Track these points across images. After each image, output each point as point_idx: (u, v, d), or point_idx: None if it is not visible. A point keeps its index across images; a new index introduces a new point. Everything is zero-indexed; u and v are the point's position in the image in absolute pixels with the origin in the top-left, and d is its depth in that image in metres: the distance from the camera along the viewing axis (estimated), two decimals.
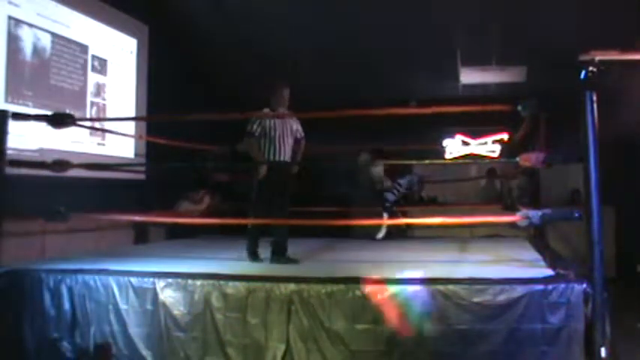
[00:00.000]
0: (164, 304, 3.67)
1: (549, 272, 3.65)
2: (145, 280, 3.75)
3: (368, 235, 6.64)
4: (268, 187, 4.75)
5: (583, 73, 4.86)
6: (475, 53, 7.72)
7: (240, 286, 3.59)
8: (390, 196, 6.77)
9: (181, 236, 6.93)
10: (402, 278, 3.55)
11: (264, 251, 4.75)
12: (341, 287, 3.47)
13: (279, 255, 4.67)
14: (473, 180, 9.69)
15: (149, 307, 3.70)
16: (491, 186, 9.47)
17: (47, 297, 3.85)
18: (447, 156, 10.45)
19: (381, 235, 6.61)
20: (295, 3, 7.46)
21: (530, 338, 3.27)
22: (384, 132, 7.19)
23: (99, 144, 6.77)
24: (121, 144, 7.17)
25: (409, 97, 9.04)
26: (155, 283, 3.72)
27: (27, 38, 5.76)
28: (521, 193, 8.41)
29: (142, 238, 6.96)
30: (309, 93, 5.86)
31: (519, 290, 3.31)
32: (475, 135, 10.50)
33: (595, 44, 5.13)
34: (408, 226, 7.36)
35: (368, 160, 6.66)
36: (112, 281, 3.79)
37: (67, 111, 5.45)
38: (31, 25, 5.80)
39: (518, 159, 3.74)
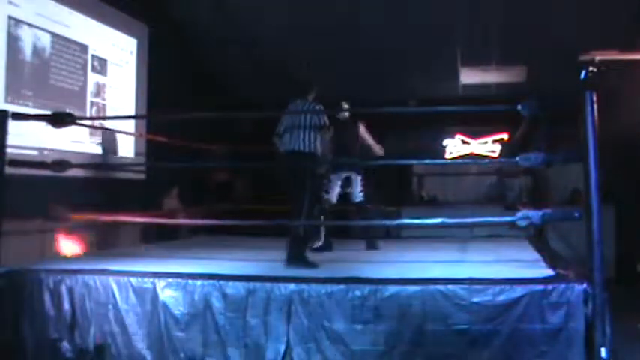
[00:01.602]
0: (164, 304, 3.66)
1: (549, 272, 3.65)
2: (145, 280, 3.74)
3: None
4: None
5: (583, 73, 4.86)
6: (475, 53, 7.73)
7: (240, 286, 3.59)
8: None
9: (178, 236, 6.93)
10: (402, 278, 3.55)
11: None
12: (341, 287, 3.47)
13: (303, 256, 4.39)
14: (470, 176, 9.68)
15: (149, 307, 3.69)
16: (491, 186, 9.47)
17: (47, 297, 3.84)
18: (447, 156, 10.48)
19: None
20: (295, 3, 7.47)
21: (530, 338, 3.26)
22: (384, 131, 7.17)
23: (99, 144, 6.77)
24: (121, 144, 7.17)
25: (409, 97, 9.04)
26: (155, 283, 3.71)
27: (27, 38, 5.76)
28: (526, 192, 8.43)
29: (142, 237, 6.96)
30: None
31: (519, 290, 3.31)
32: (475, 135, 10.53)
33: (595, 44, 5.14)
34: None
35: None
36: (112, 281, 3.79)
37: (67, 111, 5.45)
38: (31, 25, 5.80)
39: (518, 159, 3.73)
